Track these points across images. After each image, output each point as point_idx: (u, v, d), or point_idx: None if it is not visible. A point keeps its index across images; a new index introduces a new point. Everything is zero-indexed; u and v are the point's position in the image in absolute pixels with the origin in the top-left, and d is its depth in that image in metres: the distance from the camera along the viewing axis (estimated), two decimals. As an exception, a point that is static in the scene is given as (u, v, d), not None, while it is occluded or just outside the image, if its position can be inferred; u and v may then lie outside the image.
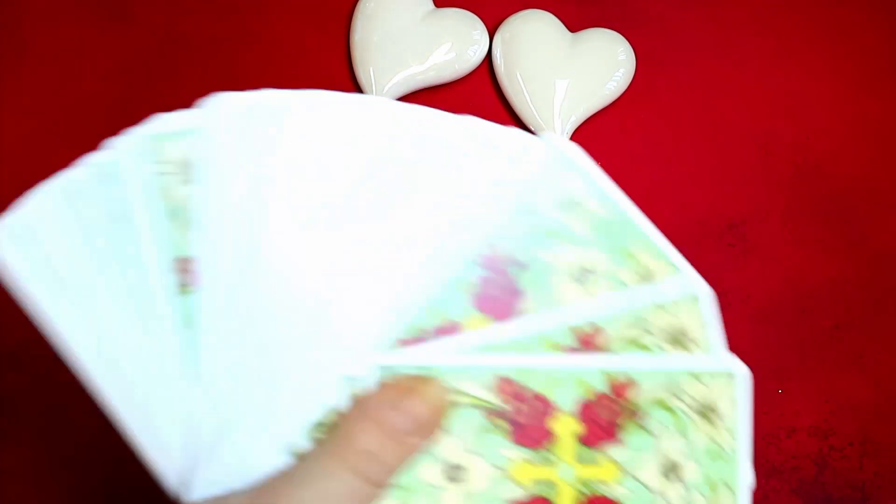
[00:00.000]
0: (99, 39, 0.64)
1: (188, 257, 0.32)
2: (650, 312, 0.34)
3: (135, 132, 0.32)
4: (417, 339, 0.32)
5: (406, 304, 0.32)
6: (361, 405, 0.31)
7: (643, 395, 0.33)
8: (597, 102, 0.63)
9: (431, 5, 0.64)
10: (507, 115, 0.64)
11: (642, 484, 0.34)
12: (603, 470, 0.33)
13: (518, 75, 0.62)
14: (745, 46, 0.66)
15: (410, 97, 0.65)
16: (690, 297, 0.34)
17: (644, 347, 0.33)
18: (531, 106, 0.62)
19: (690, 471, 0.34)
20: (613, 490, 0.33)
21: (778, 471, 0.58)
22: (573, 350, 0.33)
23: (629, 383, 0.33)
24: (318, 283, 0.32)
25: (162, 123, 0.32)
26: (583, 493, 0.33)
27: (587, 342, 0.33)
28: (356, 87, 0.64)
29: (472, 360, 0.32)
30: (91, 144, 0.62)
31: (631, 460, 0.33)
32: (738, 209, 0.63)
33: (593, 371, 0.33)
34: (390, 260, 0.32)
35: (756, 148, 0.64)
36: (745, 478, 0.34)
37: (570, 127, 0.62)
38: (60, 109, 0.63)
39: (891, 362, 0.60)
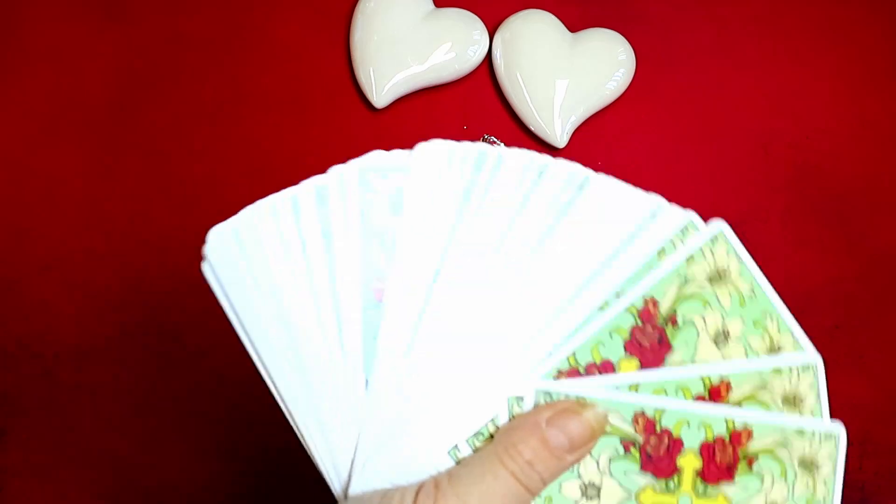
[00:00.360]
0: (98, 40, 0.64)
1: (382, 278, 0.37)
2: (771, 376, 0.39)
3: (353, 163, 0.37)
4: (573, 371, 0.37)
5: (569, 341, 0.37)
6: (525, 419, 0.36)
7: (757, 444, 0.39)
8: (597, 102, 0.64)
9: (431, 5, 0.64)
10: (507, 115, 0.65)
11: (748, 519, 0.39)
12: (716, 503, 0.39)
13: (518, 75, 0.63)
14: (745, 47, 0.66)
15: (410, 97, 0.65)
16: (806, 367, 0.39)
17: (763, 404, 0.39)
18: (531, 106, 0.63)
19: (790, 512, 0.40)
20: (723, 521, 0.39)
21: None
22: (703, 398, 0.38)
23: (746, 432, 0.39)
24: (496, 314, 0.37)
25: (376, 158, 0.37)
26: (697, 522, 0.39)
27: (716, 393, 0.38)
28: (356, 87, 0.64)
29: (618, 396, 0.38)
30: (90, 144, 0.63)
31: (740, 499, 0.39)
32: (738, 209, 0.64)
33: (718, 417, 0.38)
34: (559, 301, 0.37)
35: (756, 148, 0.64)
36: None
37: (570, 127, 0.63)
38: (60, 109, 0.63)
39: (890, 362, 0.61)
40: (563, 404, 0.36)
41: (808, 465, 0.40)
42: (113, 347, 0.60)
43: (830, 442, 0.40)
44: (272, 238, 0.37)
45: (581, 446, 0.36)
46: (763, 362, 0.39)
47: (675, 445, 0.38)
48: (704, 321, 0.38)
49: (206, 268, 0.37)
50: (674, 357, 0.38)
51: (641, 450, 0.38)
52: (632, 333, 0.38)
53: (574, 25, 0.65)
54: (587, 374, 0.38)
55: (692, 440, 0.38)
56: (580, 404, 0.36)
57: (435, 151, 0.38)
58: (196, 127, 0.63)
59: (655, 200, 0.38)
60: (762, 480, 0.39)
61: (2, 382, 0.58)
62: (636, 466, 0.38)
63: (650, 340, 0.38)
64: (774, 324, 0.39)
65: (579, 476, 0.38)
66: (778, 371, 0.39)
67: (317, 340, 0.37)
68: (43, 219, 0.61)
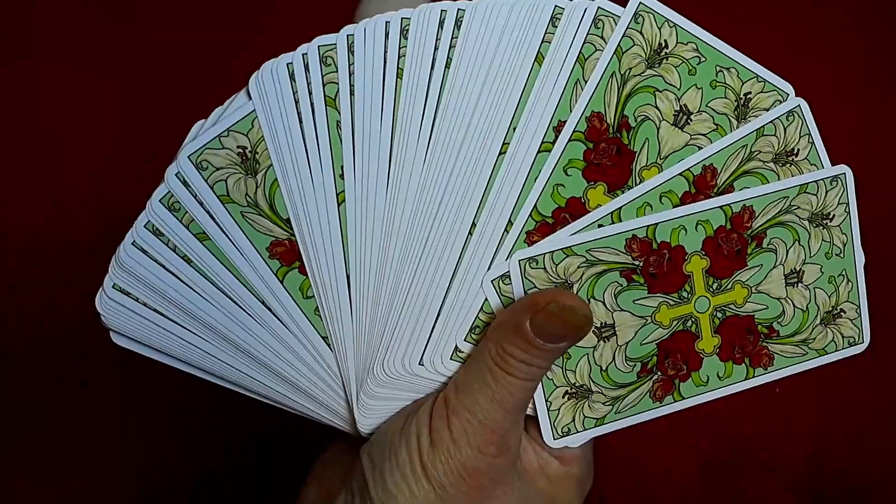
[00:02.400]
0: (104, 41, 0.64)
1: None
2: (752, 140, 0.35)
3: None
4: (543, 225, 0.33)
5: (526, 196, 0.33)
6: (510, 317, 0.32)
7: (761, 219, 0.35)
8: None
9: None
10: None
11: (769, 296, 0.36)
12: (734, 294, 0.36)
13: None
14: (744, 48, 0.63)
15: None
16: (787, 113, 0.35)
17: (754, 174, 0.35)
18: None
19: (811, 273, 0.37)
20: (745, 308, 0.36)
21: (774, 469, 0.59)
22: (691, 196, 0.34)
23: (747, 212, 0.35)
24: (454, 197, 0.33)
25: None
26: (718, 318, 0.36)
27: (701, 181, 0.34)
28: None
29: (600, 232, 0.34)
30: (95, 143, 0.62)
31: (756, 279, 0.36)
32: None
33: (714, 209, 0.34)
34: (498, 158, 0.33)
35: None
36: (860, 262, 0.37)
37: None
38: (65, 109, 0.63)
39: (889, 362, 0.60)
40: (546, 302, 0.32)
41: (820, 219, 0.36)
42: (120, 350, 0.59)
43: (837, 186, 0.36)
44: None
45: (569, 339, 0.32)
46: (743, 130, 0.35)
47: (678, 254, 0.35)
48: (659, 110, 0.34)
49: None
50: (640, 161, 0.34)
51: (644, 273, 0.35)
52: (586, 159, 0.33)
53: None
54: (558, 223, 0.34)
55: (693, 243, 0.35)
56: (563, 307, 0.32)
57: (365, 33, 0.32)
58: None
59: (550, 2, 0.32)
60: (776, 253, 0.36)
61: (11, 387, 0.58)
62: (644, 291, 0.35)
63: (608, 156, 0.34)
64: (734, 74, 0.34)
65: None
66: (758, 131, 0.35)
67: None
68: (51, 223, 0.61)
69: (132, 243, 0.32)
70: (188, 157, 0.31)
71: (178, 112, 0.61)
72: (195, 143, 0.31)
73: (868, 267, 0.60)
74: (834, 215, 0.36)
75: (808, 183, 0.36)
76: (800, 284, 0.36)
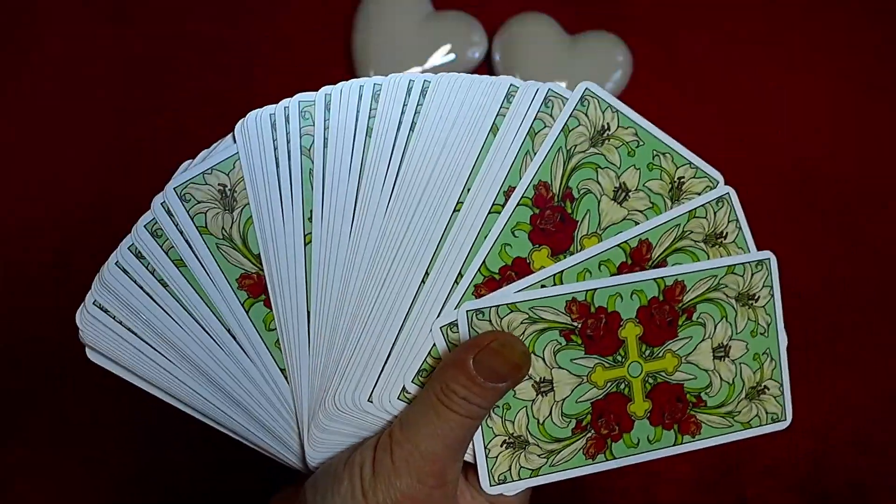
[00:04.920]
0: (103, 42, 0.64)
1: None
2: (685, 220, 0.39)
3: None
4: (490, 280, 0.37)
5: (476, 254, 0.37)
6: (454, 358, 0.35)
7: (691, 294, 0.39)
8: None
9: (430, 8, 0.64)
10: None
11: (698, 366, 0.39)
12: (665, 362, 0.39)
13: (517, 77, 0.62)
14: (743, 48, 0.66)
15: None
16: (717, 199, 0.39)
17: (685, 251, 0.39)
18: None
19: (737, 349, 0.40)
20: (675, 376, 0.39)
21: (775, 469, 0.59)
22: (627, 266, 0.38)
23: (678, 286, 0.38)
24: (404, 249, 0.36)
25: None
26: (650, 383, 0.39)
27: (638, 256, 0.38)
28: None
29: (543, 293, 0.37)
30: (94, 145, 0.62)
31: (686, 349, 0.39)
32: None
33: (648, 281, 0.38)
34: (451, 218, 0.37)
35: (754, 149, 0.64)
36: (783, 343, 0.40)
37: None
38: (64, 110, 0.63)
39: (889, 362, 0.61)
40: (488, 340, 0.35)
41: (746, 299, 0.40)
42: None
43: (762, 270, 0.40)
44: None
45: (509, 379, 0.35)
46: (677, 211, 0.39)
47: (613, 320, 0.38)
48: (600, 185, 0.38)
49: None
50: (581, 229, 0.38)
51: (582, 334, 0.38)
52: (532, 223, 0.37)
53: (572, 28, 0.64)
54: (504, 280, 0.37)
55: (628, 310, 0.38)
56: (503, 343, 0.35)
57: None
58: (198, 128, 0.62)
59: (508, 80, 0.37)
60: (704, 327, 0.39)
61: (9, 380, 0.58)
62: (581, 351, 0.38)
63: (553, 223, 0.37)
64: (669, 159, 0.39)
65: (530, 376, 0.37)
66: (691, 213, 0.39)
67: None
68: (51, 219, 0.61)
69: (115, 263, 0.35)
70: (174, 188, 0.35)
71: (179, 113, 0.63)
72: (181, 177, 0.35)
73: (870, 263, 0.61)
74: (759, 296, 0.40)
75: (735, 264, 0.39)
76: (727, 359, 0.39)
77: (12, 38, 0.64)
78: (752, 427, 0.40)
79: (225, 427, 0.37)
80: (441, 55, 0.62)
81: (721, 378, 0.39)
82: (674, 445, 0.39)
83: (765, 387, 0.40)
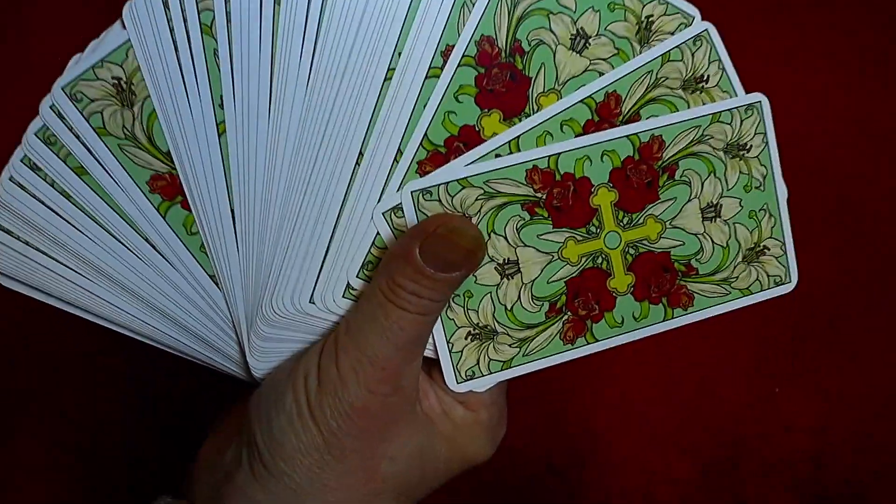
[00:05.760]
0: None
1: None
2: (658, 65, 0.33)
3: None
4: (436, 154, 0.32)
5: (416, 125, 0.32)
6: (399, 247, 0.31)
7: (671, 150, 0.34)
8: None
9: None
10: None
11: (685, 231, 0.34)
12: (646, 229, 0.34)
13: None
14: (743, 48, 0.61)
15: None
16: (694, 38, 0.34)
17: (661, 101, 0.33)
18: None
19: (730, 207, 0.35)
20: (659, 244, 0.34)
21: (775, 469, 0.58)
22: (594, 124, 0.33)
23: (655, 142, 0.33)
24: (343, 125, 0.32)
25: None
26: (631, 254, 0.34)
27: (605, 112, 0.33)
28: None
29: (499, 163, 0.32)
30: None
31: (671, 213, 0.34)
32: None
33: (620, 139, 0.33)
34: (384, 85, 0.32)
35: None
36: (782, 196, 0.35)
37: None
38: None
39: (888, 362, 0.59)
40: (434, 226, 0.31)
41: (736, 150, 0.34)
42: (117, 348, 0.58)
43: (753, 115, 0.34)
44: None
45: (462, 267, 0.31)
46: (647, 55, 0.33)
47: (583, 186, 0.33)
48: (553, 33, 0.33)
49: None
50: (536, 87, 0.33)
51: (547, 205, 0.33)
52: (478, 85, 0.32)
53: None
54: (451, 153, 0.32)
55: (599, 174, 0.33)
56: (451, 228, 0.31)
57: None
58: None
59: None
60: (689, 185, 0.34)
61: (9, 381, 0.57)
62: (549, 225, 0.33)
63: (502, 82, 0.32)
64: None
65: (492, 259, 0.33)
66: (664, 56, 0.33)
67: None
68: None
69: (10, 179, 0.31)
70: (62, 88, 0.31)
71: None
72: (69, 75, 0.31)
73: (869, 263, 0.59)
74: (751, 146, 0.35)
75: (720, 111, 0.34)
76: (718, 219, 0.35)
77: (12, 38, 0.63)
78: (752, 293, 0.36)
79: (163, 344, 0.34)
80: None
81: (713, 241, 0.35)
82: (664, 321, 0.35)
83: (764, 247, 0.35)
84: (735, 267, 0.35)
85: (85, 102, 0.31)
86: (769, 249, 0.36)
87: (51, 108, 0.31)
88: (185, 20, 0.31)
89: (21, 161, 0.31)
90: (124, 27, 0.31)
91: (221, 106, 0.31)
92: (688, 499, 0.59)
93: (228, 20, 0.31)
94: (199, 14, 0.31)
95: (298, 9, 0.31)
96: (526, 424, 0.57)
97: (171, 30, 0.31)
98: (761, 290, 0.36)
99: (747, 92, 0.35)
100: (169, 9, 0.31)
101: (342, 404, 0.30)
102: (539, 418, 0.58)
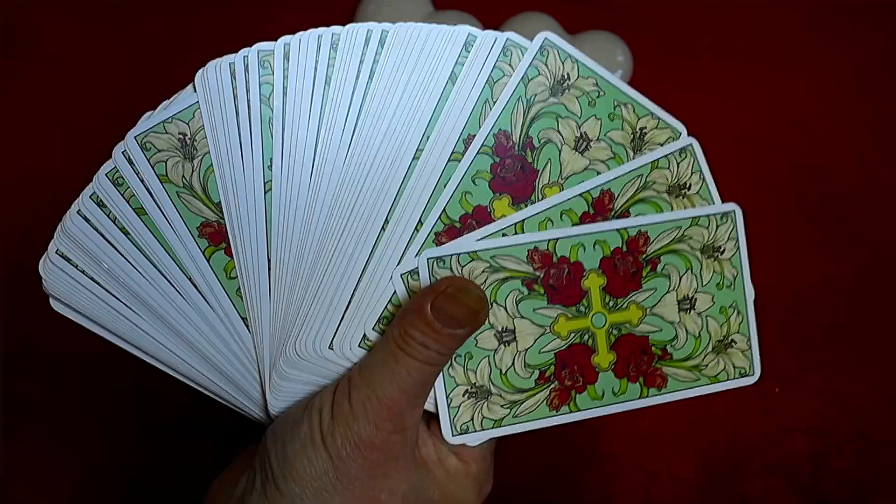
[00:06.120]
0: (103, 43, 0.65)
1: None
2: (647, 171, 0.39)
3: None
4: (451, 228, 0.37)
5: (436, 202, 0.37)
6: (413, 304, 0.35)
7: (655, 245, 0.38)
8: None
9: (431, 7, 0.64)
10: None
11: (663, 319, 0.39)
12: (629, 313, 0.39)
13: None
14: (743, 49, 0.66)
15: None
16: (680, 150, 0.39)
17: (649, 202, 0.39)
18: None
19: (703, 301, 0.39)
20: (640, 328, 0.39)
21: (775, 469, 0.59)
22: (589, 216, 0.38)
23: (642, 237, 0.38)
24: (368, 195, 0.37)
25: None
26: (614, 335, 0.38)
27: (600, 206, 0.38)
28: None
29: (505, 241, 0.37)
30: (93, 146, 0.63)
31: (651, 301, 0.39)
32: None
33: (611, 231, 0.38)
34: (412, 165, 0.37)
35: (752, 148, 0.64)
36: (749, 297, 0.40)
37: None
38: (64, 112, 0.64)
39: (888, 362, 0.60)
40: (445, 286, 0.35)
41: (711, 251, 0.39)
42: (116, 351, 0.59)
43: (727, 222, 0.39)
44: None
45: (467, 325, 0.35)
46: (635, 161, 0.39)
47: (576, 270, 0.38)
48: (560, 134, 0.38)
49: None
50: (542, 179, 0.38)
51: (544, 283, 0.38)
52: (493, 171, 0.37)
53: (572, 27, 0.65)
54: (465, 228, 0.37)
55: (591, 260, 0.38)
56: (459, 288, 0.35)
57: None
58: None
59: (466, 30, 0.37)
60: (669, 278, 0.39)
61: (8, 383, 0.58)
62: (544, 301, 0.38)
63: (513, 172, 0.37)
64: (630, 109, 0.39)
65: (492, 326, 0.37)
66: (654, 164, 0.39)
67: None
68: (56, 219, 0.62)
69: (77, 212, 0.35)
70: (134, 137, 0.35)
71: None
72: (141, 126, 0.35)
73: (869, 263, 0.61)
74: (724, 249, 0.40)
75: (699, 216, 0.39)
76: (692, 311, 0.39)
77: (12, 37, 0.65)
78: (719, 381, 0.40)
79: (188, 378, 0.38)
80: None
81: (687, 331, 0.39)
82: (639, 399, 0.39)
83: (732, 340, 0.40)
84: (706, 356, 0.40)
85: (152, 151, 0.35)
86: (736, 343, 0.40)
87: (123, 153, 0.35)
88: (247, 90, 0.36)
89: (90, 197, 0.35)
90: (195, 90, 0.36)
91: (270, 167, 0.36)
92: (688, 499, 0.59)
93: (284, 94, 0.36)
94: (260, 86, 0.36)
95: (345, 91, 0.36)
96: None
97: (235, 97, 0.36)
98: (727, 380, 0.40)
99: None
100: (235, 79, 0.36)
101: (352, 435, 0.34)
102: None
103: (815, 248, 0.62)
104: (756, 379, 0.40)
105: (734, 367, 0.40)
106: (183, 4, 0.66)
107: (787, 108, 0.65)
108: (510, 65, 0.37)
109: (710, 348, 0.40)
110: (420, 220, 0.37)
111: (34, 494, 0.57)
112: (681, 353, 0.39)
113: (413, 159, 0.37)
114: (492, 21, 0.64)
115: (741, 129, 0.64)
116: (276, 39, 0.37)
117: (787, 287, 0.61)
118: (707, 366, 0.40)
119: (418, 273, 0.36)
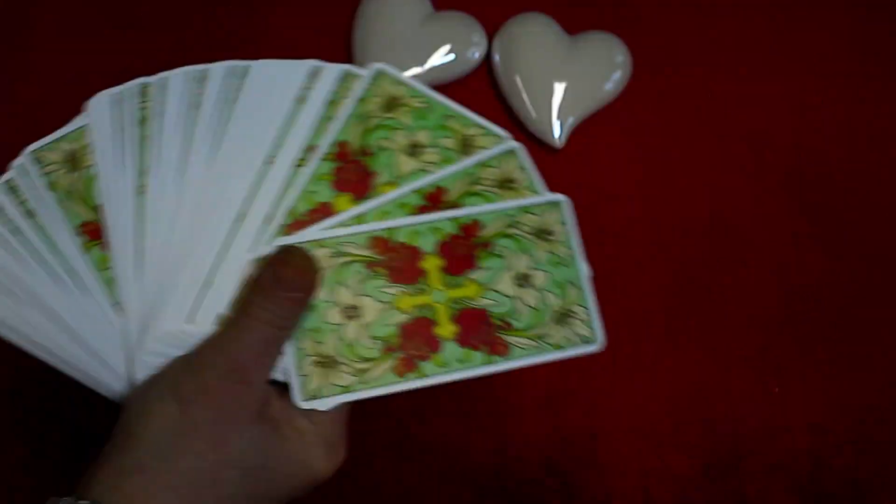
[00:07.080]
0: (105, 44, 0.66)
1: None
2: (477, 169, 0.44)
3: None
4: (298, 222, 0.42)
5: (284, 199, 0.43)
6: (253, 276, 0.41)
7: (487, 230, 0.43)
8: (594, 104, 0.63)
9: (430, 8, 0.65)
10: (506, 116, 0.64)
11: (501, 294, 0.43)
12: (467, 290, 0.43)
13: (517, 77, 0.63)
14: (741, 49, 0.67)
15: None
16: (507, 152, 0.45)
17: (479, 195, 0.44)
18: (529, 107, 0.62)
19: (539, 278, 0.43)
20: (479, 302, 0.42)
21: (775, 468, 0.58)
22: (424, 208, 0.43)
23: (475, 224, 0.43)
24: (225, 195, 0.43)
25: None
26: (454, 309, 0.42)
27: (434, 199, 0.43)
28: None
29: (347, 230, 0.42)
30: None
31: (488, 278, 0.43)
32: (735, 209, 0.64)
33: (444, 220, 0.43)
34: (264, 171, 0.43)
35: (752, 148, 0.64)
36: (584, 274, 0.44)
37: (568, 128, 0.62)
38: (65, 113, 0.61)
39: (887, 361, 0.60)
40: (277, 254, 0.41)
41: (542, 234, 0.44)
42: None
43: (556, 210, 0.44)
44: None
45: (299, 285, 0.40)
46: (464, 161, 0.44)
47: (414, 253, 0.42)
48: (394, 141, 0.44)
49: None
50: (380, 179, 0.43)
51: (386, 265, 0.42)
52: (335, 174, 0.43)
53: (572, 28, 0.65)
54: (310, 223, 0.43)
55: (428, 245, 0.43)
56: (288, 252, 0.41)
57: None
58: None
59: (312, 63, 0.45)
60: (503, 258, 0.43)
61: (9, 380, 0.59)
62: (385, 281, 0.42)
63: (354, 174, 0.43)
64: (457, 121, 0.45)
65: (336, 303, 0.42)
66: (482, 163, 0.44)
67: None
68: None
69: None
70: (31, 151, 0.43)
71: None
72: (38, 143, 0.43)
73: (869, 263, 0.60)
74: (554, 231, 0.44)
75: (529, 206, 0.44)
76: (529, 286, 0.43)
77: (13, 38, 0.66)
78: (563, 348, 0.42)
79: (61, 359, 0.42)
80: (440, 55, 0.63)
81: (525, 304, 0.43)
82: (484, 365, 0.42)
83: (571, 311, 0.43)
84: (548, 325, 0.43)
85: (45, 164, 0.43)
86: (576, 314, 0.43)
87: (19, 166, 0.43)
88: (129, 114, 0.43)
89: (-11, 202, 0.42)
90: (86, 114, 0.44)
91: (145, 174, 0.43)
92: (688, 499, 0.57)
93: (161, 116, 0.43)
94: (139, 111, 0.43)
95: (212, 114, 0.44)
96: (525, 425, 0.58)
97: (120, 118, 0.43)
98: (571, 346, 0.43)
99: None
100: (119, 105, 0.43)
101: (198, 382, 0.38)
102: (538, 418, 0.58)
103: (815, 247, 0.62)
104: (599, 346, 0.43)
105: (577, 335, 0.43)
106: (181, 5, 0.67)
107: (786, 107, 0.66)
108: (349, 88, 0.44)
109: (551, 319, 0.43)
110: (271, 214, 0.42)
111: (36, 495, 0.55)
112: (521, 324, 0.42)
113: (265, 164, 0.43)
114: (491, 22, 0.65)
115: (740, 128, 0.65)
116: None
117: (788, 287, 0.62)
118: (550, 334, 0.43)
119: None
